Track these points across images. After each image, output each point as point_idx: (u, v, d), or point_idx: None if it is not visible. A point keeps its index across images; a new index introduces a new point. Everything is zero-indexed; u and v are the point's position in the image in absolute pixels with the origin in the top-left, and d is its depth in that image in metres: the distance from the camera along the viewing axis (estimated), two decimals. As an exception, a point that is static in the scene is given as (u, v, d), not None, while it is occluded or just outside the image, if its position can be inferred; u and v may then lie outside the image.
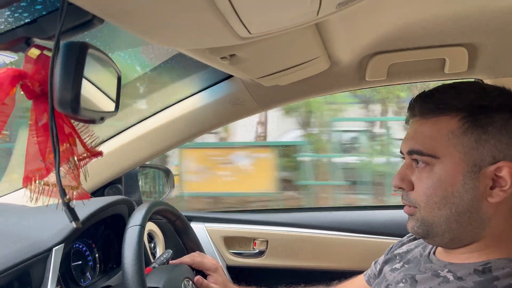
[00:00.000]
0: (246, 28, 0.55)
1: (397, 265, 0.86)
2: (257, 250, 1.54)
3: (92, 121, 0.50)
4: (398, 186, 0.75)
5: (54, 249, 0.82)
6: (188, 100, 1.27)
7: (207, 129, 1.30)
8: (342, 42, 0.93)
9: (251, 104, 1.22)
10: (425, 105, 0.73)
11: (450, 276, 0.69)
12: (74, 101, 0.39)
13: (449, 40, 1.03)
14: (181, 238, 1.20)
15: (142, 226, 0.89)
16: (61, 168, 0.52)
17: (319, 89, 1.21)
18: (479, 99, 0.70)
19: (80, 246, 1.08)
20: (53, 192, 0.52)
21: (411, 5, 0.85)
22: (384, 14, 0.87)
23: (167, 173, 1.73)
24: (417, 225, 0.74)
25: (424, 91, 0.75)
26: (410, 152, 0.73)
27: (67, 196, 0.47)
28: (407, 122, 0.78)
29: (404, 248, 0.91)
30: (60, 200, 0.51)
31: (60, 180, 0.45)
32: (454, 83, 0.76)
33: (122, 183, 1.43)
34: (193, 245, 1.19)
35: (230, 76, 1.21)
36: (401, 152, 0.78)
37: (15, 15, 0.50)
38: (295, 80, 1.07)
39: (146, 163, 1.43)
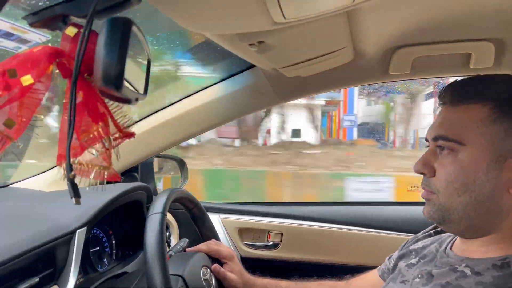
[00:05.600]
0: (282, 13, 0.55)
1: (413, 261, 0.85)
2: (271, 243, 1.54)
3: (128, 101, 0.50)
4: (420, 171, 0.76)
5: (77, 231, 0.82)
6: (207, 90, 1.26)
7: (226, 119, 1.30)
8: (368, 33, 0.91)
9: (271, 95, 1.21)
10: (456, 92, 0.73)
11: (467, 271, 0.69)
12: (118, 77, 0.39)
13: (475, 34, 1.01)
14: (197, 226, 1.20)
15: (164, 214, 0.89)
16: (94, 148, 0.52)
17: (340, 82, 1.19)
18: None
19: (98, 232, 1.08)
20: (86, 171, 0.51)
21: (440, -3, 0.84)
22: (412, 6, 0.86)
23: (182, 164, 1.73)
24: (433, 210, 0.74)
25: (456, 80, 0.75)
26: (436, 138, 0.74)
27: (73, 172, 0.46)
28: (435, 111, 0.78)
29: (420, 244, 0.90)
30: (92, 180, 0.51)
31: (69, 154, 0.45)
32: (487, 74, 0.76)
33: (138, 172, 1.44)
34: (209, 233, 1.19)
35: (251, 67, 1.20)
36: (426, 139, 0.78)
37: (54, -8, 0.50)
38: (318, 71, 1.06)
39: (162, 153, 1.44)
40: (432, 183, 0.74)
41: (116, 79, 0.39)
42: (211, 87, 1.27)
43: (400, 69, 1.09)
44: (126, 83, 0.46)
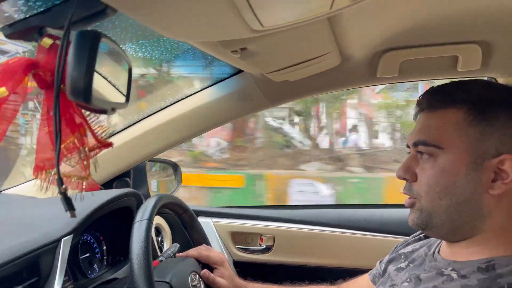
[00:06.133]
0: (259, 21, 0.55)
1: (402, 265, 0.86)
2: (264, 246, 1.54)
3: (103, 112, 0.50)
4: (402, 177, 0.77)
5: (62, 240, 0.82)
6: (197, 95, 1.27)
7: (216, 124, 1.30)
8: (354, 38, 0.92)
9: (260, 99, 1.22)
10: (432, 98, 0.75)
11: (454, 275, 0.69)
12: (86, 90, 0.39)
13: (462, 37, 1.02)
14: (187, 232, 1.20)
15: (150, 220, 0.90)
16: (71, 158, 0.52)
17: (329, 85, 1.20)
18: (486, 93, 0.72)
19: (88, 238, 1.08)
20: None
21: (425, 1, 0.84)
22: (397, 10, 0.86)
23: (175, 167, 1.73)
24: (417, 216, 0.74)
25: (433, 86, 0.77)
26: (415, 144, 0.75)
27: (64, 185, 0.47)
28: (415, 118, 0.80)
29: (409, 248, 0.90)
30: (72, 190, 0.51)
31: (58, 168, 0.45)
32: (461, 79, 0.78)
33: (131, 177, 1.44)
34: (200, 238, 1.20)
35: (239, 72, 1.20)
36: (407, 146, 0.79)
37: (29, 3, 0.50)
38: (305, 75, 1.06)
39: (155, 157, 1.44)
40: (414, 188, 0.75)
41: (84, 92, 0.39)
42: (201, 91, 1.27)
43: (388, 72, 1.09)
44: (99, 94, 0.47)
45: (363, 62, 1.09)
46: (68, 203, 0.45)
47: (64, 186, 0.45)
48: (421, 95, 0.77)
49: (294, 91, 1.20)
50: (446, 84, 0.77)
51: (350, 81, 1.17)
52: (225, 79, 1.22)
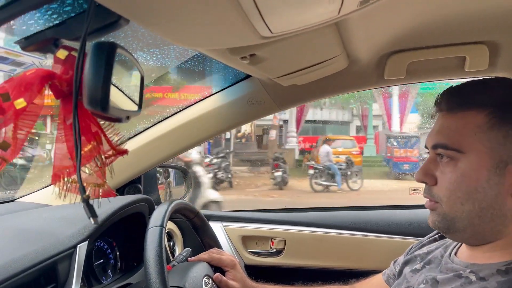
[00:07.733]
0: (268, 28, 0.56)
1: (418, 266, 0.85)
2: (275, 250, 1.54)
3: (118, 120, 0.51)
4: (421, 180, 0.75)
5: (78, 246, 0.83)
6: (206, 100, 1.28)
7: (225, 129, 1.31)
8: (361, 41, 0.92)
9: (268, 103, 1.22)
10: (452, 100, 0.73)
11: (472, 277, 0.69)
12: (103, 100, 0.41)
13: (469, 37, 1.01)
14: (199, 235, 1.21)
15: (163, 227, 0.90)
16: (88, 166, 0.53)
17: (337, 88, 1.20)
18: (508, 95, 0.69)
19: (102, 245, 1.10)
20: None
21: (431, 2, 0.84)
22: (404, 12, 0.86)
23: (185, 173, 1.75)
24: (438, 220, 0.73)
25: (452, 86, 0.75)
26: (435, 146, 0.73)
27: (87, 193, 0.48)
28: (433, 117, 0.78)
29: (425, 249, 0.90)
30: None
31: (80, 177, 0.47)
32: (482, 78, 0.76)
33: (142, 183, 1.45)
34: (211, 241, 1.20)
35: (248, 76, 1.21)
36: (426, 146, 0.78)
37: (44, 16, 0.52)
38: (313, 79, 1.07)
39: (165, 163, 1.45)
40: (434, 191, 0.73)
41: (101, 102, 0.41)
42: (210, 97, 1.28)
43: (396, 74, 1.09)
44: (115, 103, 0.48)
45: (370, 65, 1.09)
46: (91, 210, 0.46)
47: (86, 194, 0.46)
48: (440, 94, 0.75)
49: (302, 94, 1.21)
50: (465, 84, 0.74)
51: (358, 83, 1.17)
52: (233, 84, 1.24)
